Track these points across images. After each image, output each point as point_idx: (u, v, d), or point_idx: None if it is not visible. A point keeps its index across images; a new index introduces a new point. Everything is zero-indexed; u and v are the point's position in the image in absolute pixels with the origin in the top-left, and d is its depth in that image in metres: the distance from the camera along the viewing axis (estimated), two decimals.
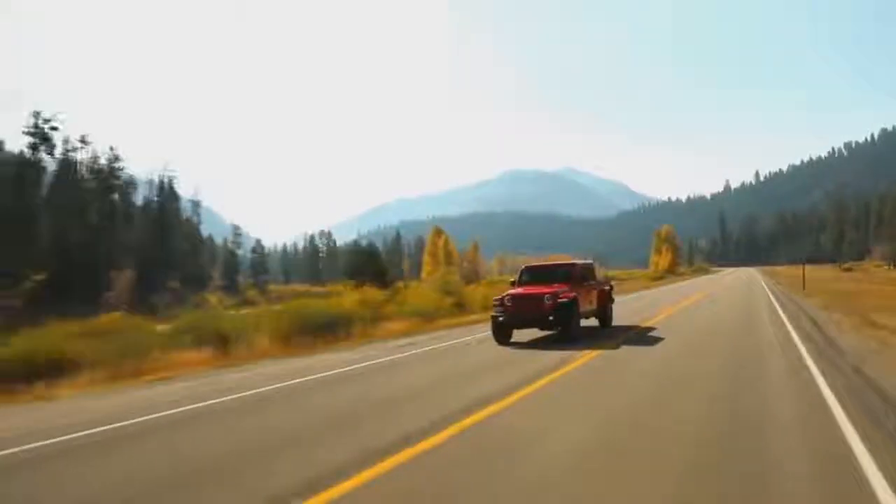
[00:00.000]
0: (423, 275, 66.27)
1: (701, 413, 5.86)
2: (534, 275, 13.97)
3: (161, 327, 17.91)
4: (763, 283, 40.57)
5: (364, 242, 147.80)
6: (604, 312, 14.68)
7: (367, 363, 10.65)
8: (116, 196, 53.88)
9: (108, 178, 48.07)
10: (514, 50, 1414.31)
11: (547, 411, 6.25)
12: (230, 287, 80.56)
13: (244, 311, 24.21)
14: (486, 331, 13.67)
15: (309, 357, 12.09)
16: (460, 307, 23.97)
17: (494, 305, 12.70)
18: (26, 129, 42.47)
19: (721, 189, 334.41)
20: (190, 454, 5.19)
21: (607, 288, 15.41)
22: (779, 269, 76.77)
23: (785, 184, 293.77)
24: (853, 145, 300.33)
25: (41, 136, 43.39)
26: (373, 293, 19.51)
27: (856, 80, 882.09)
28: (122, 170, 49.84)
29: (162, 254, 58.23)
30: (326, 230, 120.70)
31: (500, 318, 12.30)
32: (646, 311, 20.06)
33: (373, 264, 35.47)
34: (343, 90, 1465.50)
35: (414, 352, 12.08)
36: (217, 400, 7.72)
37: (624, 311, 18.76)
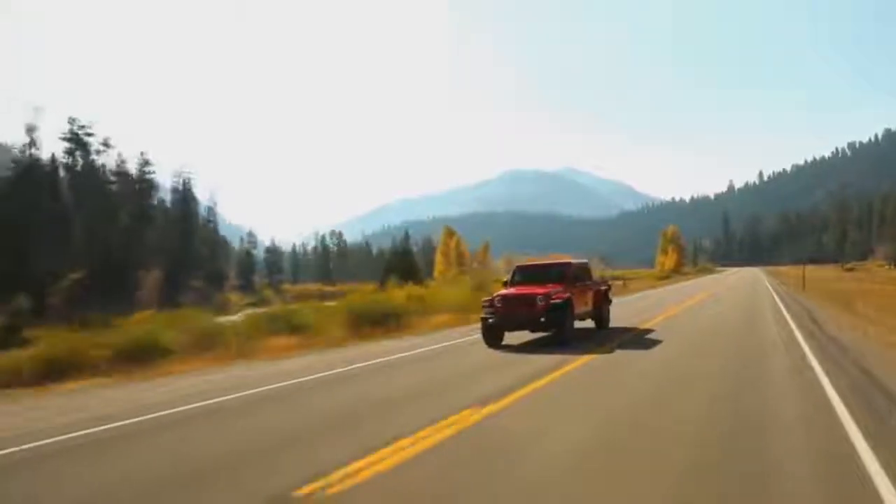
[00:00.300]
0: (436, 274, 68.58)
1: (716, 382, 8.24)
2: (527, 275, 13.55)
3: (224, 320, 20.39)
4: (766, 283, 42.97)
5: (369, 243, 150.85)
6: (600, 314, 14.27)
7: (433, 347, 12.58)
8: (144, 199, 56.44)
9: (139, 182, 50.53)
10: (514, 50, 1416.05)
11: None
12: (245, 287, 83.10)
13: (292, 307, 26.40)
14: None
15: (377, 343, 13.92)
16: None
17: (484, 307, 12.30)
18: (63, 136, 44.95)
19: (725, 189, 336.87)
20: (345, 401, 7.31)
21: (604, 288, 14.99)
22: (782, 269, 79.07)
23: (788, 184, 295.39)
24: (857, 145, 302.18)
25: (77, 142, 45.82)
26: (417, 290, 21.88)
27: (859, 80, 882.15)
28: (152, 174, 52.33)
29: (186, 254, 60.70)
30: (337, 231, 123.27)
31: (491, 320, 11.91)
32: (649, 310, 20.25)
33: (407, 264, 37.83)
34: (343, 91, 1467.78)
35: (469, 338, 13.61)
36: (340, 370, 9.86)
37: (627, 310, 19.35)
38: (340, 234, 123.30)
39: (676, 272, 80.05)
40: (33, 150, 45.51)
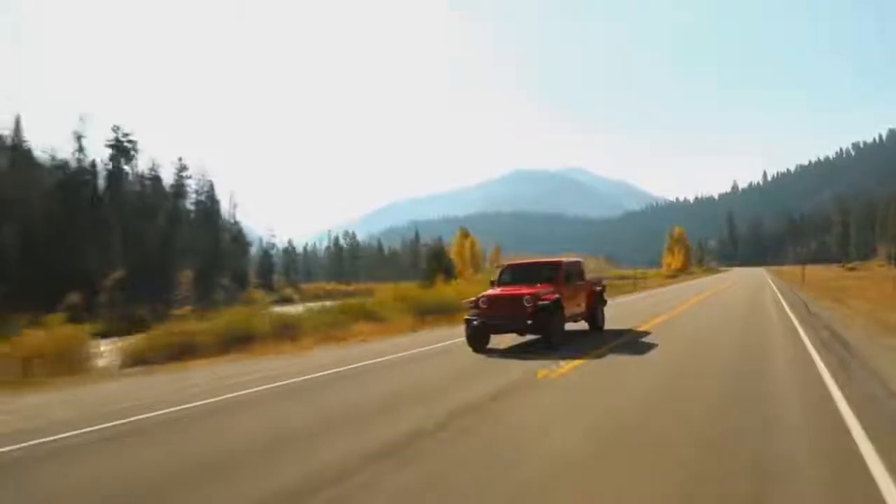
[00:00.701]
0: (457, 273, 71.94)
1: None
2: (516, 274, 13.03)
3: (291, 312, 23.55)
4: (769, 280, 46.24)
5: (381, 243, 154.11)
6: (594, 315, 13.88)
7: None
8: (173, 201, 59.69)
9: (176, 186, 53.89)
10: (517, 50, 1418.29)
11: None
12: (265, 286, 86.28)
13: (322, 304, 29.31)
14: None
15: (448, 329, 16.52)
16: None
17: (469, 307, 11.88)
18: (108, 143, 48.30)
19: (728, 189, 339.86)
20: (455, 368, 9.52)
21: (598, 288, 14.46)
22: (785, 268, 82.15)
23: (792, 184, 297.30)
24: (861, 146, 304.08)
25: (120, 149, 49.19)
26: (463, 286, 25.16)
27: (863, 80, 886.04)
28: (188, 177, 55.64)
29: (214, 255, 64.01)
30: (350, 231, 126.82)
31: (475, 322, 11.38)
32: (658, 306, 21.29)
33: (443, 262, 41.20)
34: (348, 92, 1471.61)
35: None
36: (429, 347, 12.49)
37: (634, 309, 20.54)
38: (354, 235, 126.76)
39: (683, 271, 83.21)
40: (79, 156, 48.72)
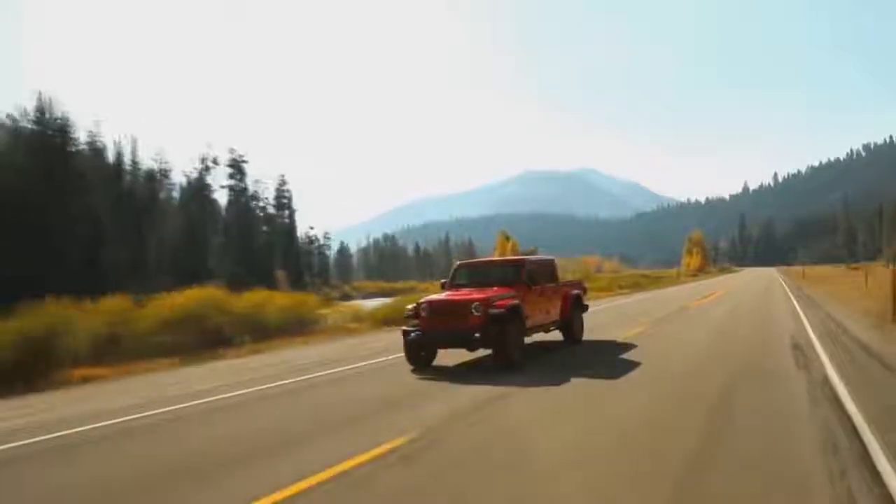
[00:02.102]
0: None
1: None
2: (473, 275, 11.43)
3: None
4: (778, 276, 57.56)
5: (405, 243, 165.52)
6: (569, 324, 12.22)
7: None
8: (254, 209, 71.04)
9: (278, 204, 65.68)
10: (529, 50, 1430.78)
11: None
12: (325, 282, 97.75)
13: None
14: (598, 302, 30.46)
15: None
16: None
17: (407, 316, 10.30)
18: (229, 162, 59.77)
19: (739, 190, 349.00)
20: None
21: (575, 292, 12.65)
22: (793, 268, 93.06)
23: (803, 185, 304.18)
24: (872, 147, 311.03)
25: (236, 168, 60.60)
26: None
27: (874, 81, 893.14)
28: (288, 193, 67.27)
29: (292, 256, 75.63)
30: (391, 234, 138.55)
31: (412, 335, 9.75)
32: (714, 286, 35.84)
33: None
34: (356, 93, 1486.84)
35: (604, 306, 28.71)
36: None
37: (697, 289, 34.22)
38: (394, 238, 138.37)
39: (701, 271, 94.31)
40: (198, 176, 60.08)
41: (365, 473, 4.60)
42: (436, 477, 4.48)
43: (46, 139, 43.89)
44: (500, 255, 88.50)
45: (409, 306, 10.38)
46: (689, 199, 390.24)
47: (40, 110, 44.45)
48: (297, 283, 74.20)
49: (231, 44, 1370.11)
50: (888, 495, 3.67)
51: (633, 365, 9.30)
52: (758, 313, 17.98)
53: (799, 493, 3.87)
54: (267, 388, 8.88)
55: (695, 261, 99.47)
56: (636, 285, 44.76)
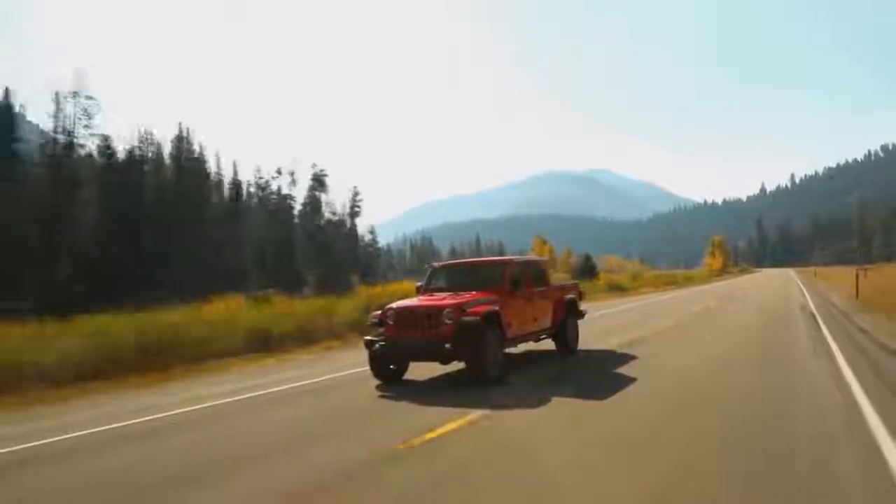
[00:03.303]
0: None
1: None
2: (452, 277, 10.36)
3: None
4: (793, 275, 67.33)
5: (434, 243, 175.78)
6: (563, 332, 10.92)
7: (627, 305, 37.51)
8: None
9: (352, 215, 76.22)
10: (543, 51, 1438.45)
11: None
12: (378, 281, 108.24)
13: None
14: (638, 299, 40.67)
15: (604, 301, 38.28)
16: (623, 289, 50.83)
17: (372, 323, 9.24)
18: (312, 176, 70.02)
19: (757, 191, 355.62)
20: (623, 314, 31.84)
21: (568, 297, 11.37)
22: (808, 269, 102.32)
23: (820, 186, 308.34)
24: (890, 147, 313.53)
25: (318, 181, 70.83)
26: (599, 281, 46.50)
27: (892, 81, 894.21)
28: (360, 203, 77.76)
29: (360, 257, 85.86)
30: (428, 236, 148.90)
31: (378, 346, 8.72)
32: (750, 280, 46.05)
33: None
34: (373, 96, 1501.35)
35: (648, 300, 38.73)
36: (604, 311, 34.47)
37: (742, 284, 44.78)
38: (430, 240, 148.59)
39: (723, 272, 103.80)
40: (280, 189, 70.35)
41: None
42: None
43: (187, 164, 54.47)
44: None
45: (375, 312, 9.38)
46: (705, 201, 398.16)
47: (179, 138, 55.04)
48: (366, 284, 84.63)
49: (244, 46, 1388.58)
50: (830, 350, 10.33)
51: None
52: (780, 295, 29.55)
53: (801, 349, 12.41)
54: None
55: (717, 262, 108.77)
56: (674, 283, 54.52)
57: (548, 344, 11.18)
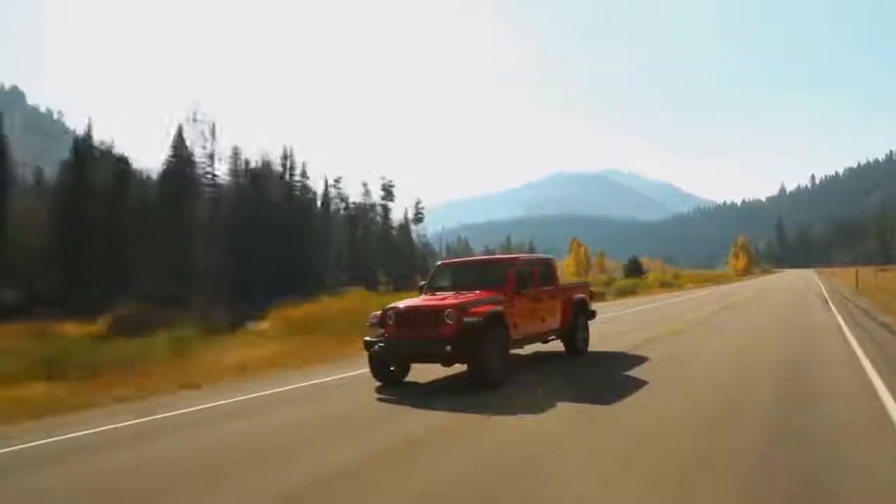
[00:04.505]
0: (569, 275, 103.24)
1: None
2: (455, 276, 10.39)
3: None
4: (813, 275, 77.68)
5: (451, 245, 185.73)
6: (572, 333, 10.88)
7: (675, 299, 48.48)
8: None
9: (416, 221, 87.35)
10: (558, 50, 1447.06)
11: None
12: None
13: None
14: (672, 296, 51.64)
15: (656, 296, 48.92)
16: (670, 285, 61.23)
17: (371, 324, 9.15)
18: (383, 186, 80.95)
19: (776, 192, 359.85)
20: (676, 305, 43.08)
21: (578, 297, 11.24)
22: (827, 269, 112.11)
23: (841, 187, 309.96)
24: None
25: (387, 191, 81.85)
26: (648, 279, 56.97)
27: None
28: (423, 209, 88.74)
29: (417, 257, 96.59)
30: (464, 237, 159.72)
31: (378, 347, 8.65)
32: (783, 277, 56.99)
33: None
34: (386, 96, 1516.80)
35: (695, 294, 49.55)
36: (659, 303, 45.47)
37: (779, 282, 55.86)
38: (467, 242, 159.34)
39: (747, 272, 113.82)
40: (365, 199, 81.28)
41: None
42: None
43: (293, 183, 65.67)
44: (575, 259, 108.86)
45: (375, 313, 9.19)
46: (724, 201, 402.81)
47: (285, 156, 66.26)
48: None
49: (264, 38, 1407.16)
50: (832, 312, 19.28)
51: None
52: (802, 286, 40.71)
53: (813, 308, 23.48)
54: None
55: (740, 263, 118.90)
56: (709, 281, 64.91)
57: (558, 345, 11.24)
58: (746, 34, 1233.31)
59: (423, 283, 10.63)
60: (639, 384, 8.27)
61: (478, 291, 9.06)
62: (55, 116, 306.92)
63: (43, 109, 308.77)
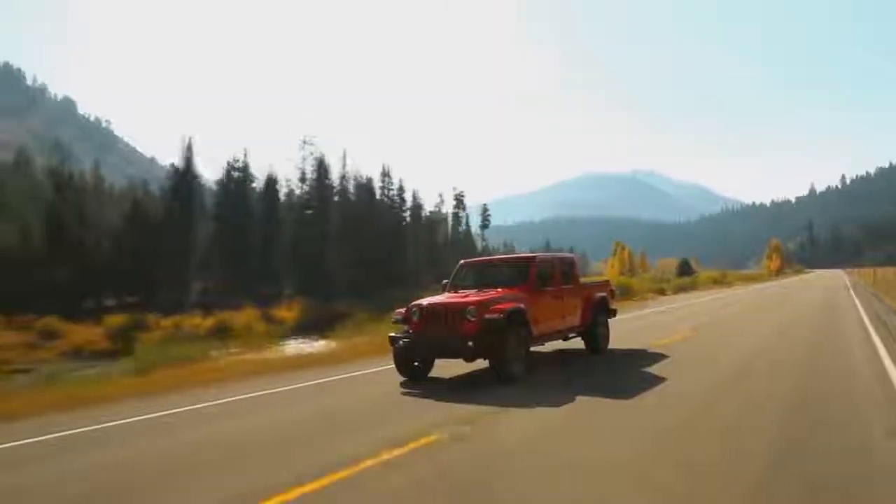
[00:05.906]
0: (610, 275, 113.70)
1: None
2: (477, 274, 10.94)
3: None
4: (842, 274, 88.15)
5: (512, 246, 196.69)
6: (593, 331, 11.32)
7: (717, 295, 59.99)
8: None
9: (482, 222, 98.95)
10: (585, 50, 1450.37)
11: None
12: None
13: None
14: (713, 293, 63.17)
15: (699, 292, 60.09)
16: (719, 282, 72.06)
17: (395, 321, 9.85)
18: (455, 197, 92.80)
19: (806, 192, 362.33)
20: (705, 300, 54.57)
21: (599, 294, 11.68)
22: (855, 270, 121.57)
23: (872, 187, 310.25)
24: None
25: (459, 201, 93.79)
26: (701, 277, 67.88)
27: None
28: (489, 215, 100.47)
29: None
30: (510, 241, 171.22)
31: (403, 342, 9.22)
32: (820, 277, 68.37)
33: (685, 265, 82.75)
34: (412, 99, 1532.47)
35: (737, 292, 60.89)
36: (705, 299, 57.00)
37: (817, 279, 67.18)
38: (513, 245, 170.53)
39: (780, 272, 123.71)
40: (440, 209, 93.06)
41: None
42: None
43: (391, 200, 77.72)
44: (619, 260, 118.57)
45: (400, 310, 9.81)
46: (753, 202, 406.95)
47: (385, 174, 78.39)
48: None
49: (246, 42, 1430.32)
50: (851, 297, 30.02)
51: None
52: (831, 282, 52.04)
53: (839, 296, 34.71)
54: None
55: (774, 263, 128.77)
56: (752, 279, 75.60)
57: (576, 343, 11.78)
58: (774, 34, 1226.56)
59: (445, 281, 10.97)
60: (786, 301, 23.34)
61: (500, 289, 9.49)
62: (104, 124, 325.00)
63: (92, 118, 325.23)
